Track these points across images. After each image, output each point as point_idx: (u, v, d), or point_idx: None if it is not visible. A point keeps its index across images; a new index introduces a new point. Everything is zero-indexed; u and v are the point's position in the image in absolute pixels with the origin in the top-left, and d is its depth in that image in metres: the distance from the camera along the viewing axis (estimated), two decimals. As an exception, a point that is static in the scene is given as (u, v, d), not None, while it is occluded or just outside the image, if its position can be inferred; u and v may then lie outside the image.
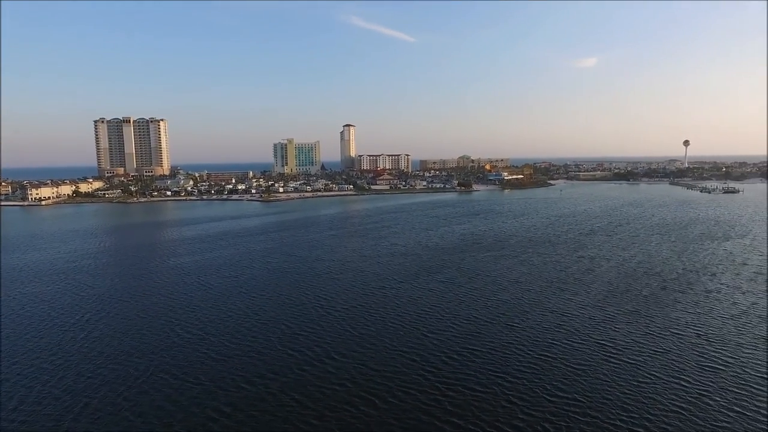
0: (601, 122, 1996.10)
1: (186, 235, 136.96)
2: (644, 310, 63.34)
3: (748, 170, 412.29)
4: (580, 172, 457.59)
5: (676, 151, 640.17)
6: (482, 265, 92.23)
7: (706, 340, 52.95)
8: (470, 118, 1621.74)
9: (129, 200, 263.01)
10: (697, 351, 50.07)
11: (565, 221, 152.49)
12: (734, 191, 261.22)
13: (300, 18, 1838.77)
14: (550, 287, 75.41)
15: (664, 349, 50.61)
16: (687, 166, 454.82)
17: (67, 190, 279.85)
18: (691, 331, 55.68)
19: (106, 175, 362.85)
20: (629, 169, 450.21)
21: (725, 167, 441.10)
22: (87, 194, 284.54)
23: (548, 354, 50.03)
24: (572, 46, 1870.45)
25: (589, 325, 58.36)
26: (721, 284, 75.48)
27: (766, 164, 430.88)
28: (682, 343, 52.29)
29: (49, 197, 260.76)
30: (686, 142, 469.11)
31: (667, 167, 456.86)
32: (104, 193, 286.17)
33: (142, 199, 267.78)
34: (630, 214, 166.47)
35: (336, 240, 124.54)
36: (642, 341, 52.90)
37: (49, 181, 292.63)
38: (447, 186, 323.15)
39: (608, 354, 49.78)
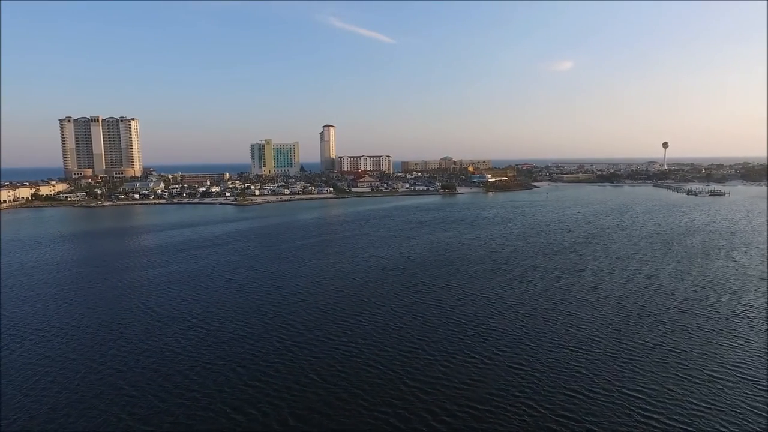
0: (580, 124, 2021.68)
1: (143, 245, 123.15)
2: (670, 343, 53.23)
3: (726, 172, 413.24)
4: (563, 173, 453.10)
5: (653, 152, 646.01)
6: (473, 281, 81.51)
7: (761, 389, 42.75)
8: (450, 119, 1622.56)
9: (92, 204, 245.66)
10: (758, 407, 39.80)
11: (556, 228, 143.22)
12: (720, 194, 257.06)
13: (277, 18, 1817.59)
14: (555, 312, 64.89)
15: (713, 404, 40.20)
16: (666, 168, 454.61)
17: (25, 192, 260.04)
18: (738, 375, 45.37)
19: (73, 176, 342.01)
20: (612, 171, 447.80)
21: (704, 169, 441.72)
22: (48, 197, 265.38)
23: (569, 414, 39.13)
24: (549, 50, 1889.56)
25: (610, 367, 47.78)
26: (747, 306, 66.06)
27: (742, 165, 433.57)
28: (732, 392, 41.92)
29: (5, 201, 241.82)
30: (665, 144, 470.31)
31: (648, 168, 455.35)
32: (67, 197, 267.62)
33: (107, 203, 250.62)
34: (622, 220, 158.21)
35: (309, 251, 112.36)
36: (681, 391, 42.45)
37: (6, 184, 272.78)
38: (430, 188, 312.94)
39: (645, 413, 39.06)
